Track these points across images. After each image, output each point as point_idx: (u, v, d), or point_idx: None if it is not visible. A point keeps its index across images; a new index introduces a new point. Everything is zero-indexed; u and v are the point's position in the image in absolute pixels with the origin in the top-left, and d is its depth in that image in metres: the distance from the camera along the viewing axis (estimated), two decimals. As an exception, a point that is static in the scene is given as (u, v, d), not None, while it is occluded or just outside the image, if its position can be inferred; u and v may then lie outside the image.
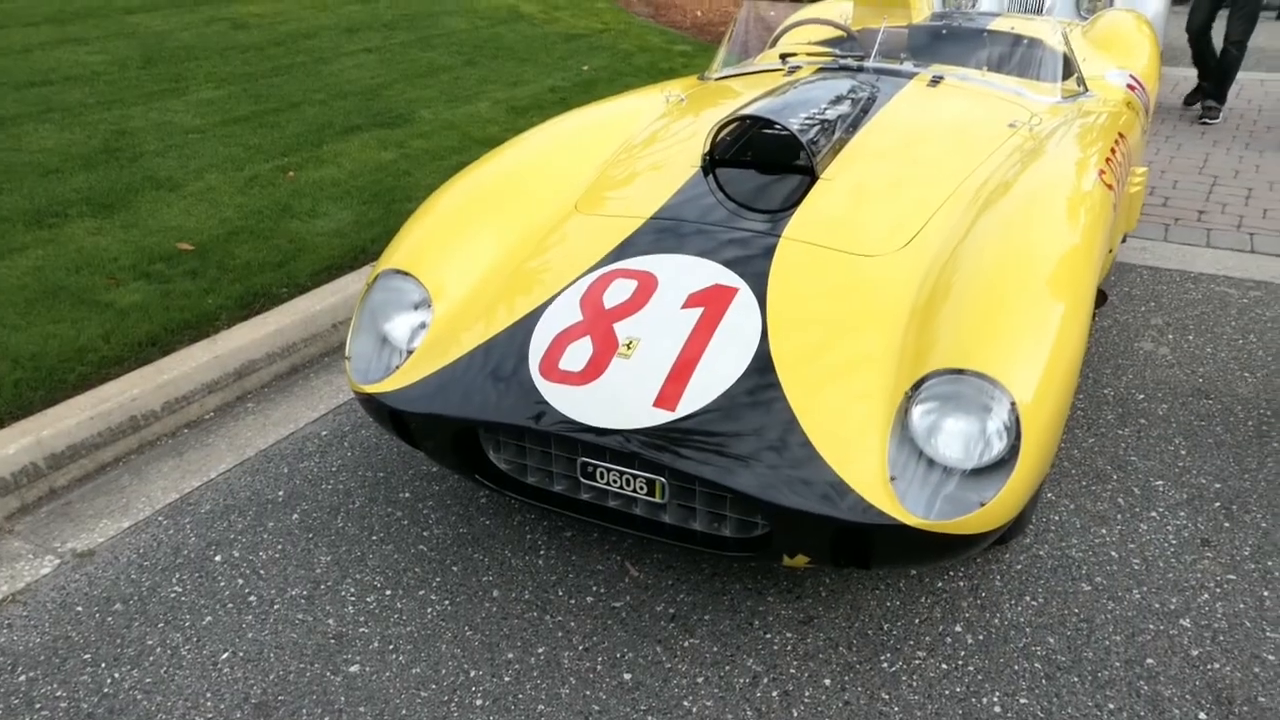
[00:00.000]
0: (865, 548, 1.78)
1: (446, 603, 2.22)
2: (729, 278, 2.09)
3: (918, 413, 1.82)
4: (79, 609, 2.23)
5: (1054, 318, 1.89)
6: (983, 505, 1.72)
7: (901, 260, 2.13)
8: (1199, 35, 5.93)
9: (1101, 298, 3.07)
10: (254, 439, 2.90)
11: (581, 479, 2.06)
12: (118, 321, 3.14)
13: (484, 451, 2.19)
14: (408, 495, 2.61)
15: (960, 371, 1.80)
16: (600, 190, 2.55)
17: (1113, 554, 2.33)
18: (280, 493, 2.64)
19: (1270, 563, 2.29)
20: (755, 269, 2.11)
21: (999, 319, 1.88)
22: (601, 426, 1.89)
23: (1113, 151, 2.54)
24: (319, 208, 4.03)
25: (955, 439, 1.79)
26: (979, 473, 1.78)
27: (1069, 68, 3.18)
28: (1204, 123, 5.85)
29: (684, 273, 2.13)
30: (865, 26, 3.74)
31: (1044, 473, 1.85)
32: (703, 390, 1.90)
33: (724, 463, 1.82)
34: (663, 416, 1.88)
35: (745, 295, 2.05)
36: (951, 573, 2.28)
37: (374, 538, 2.45)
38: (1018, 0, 6.01)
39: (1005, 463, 1.76)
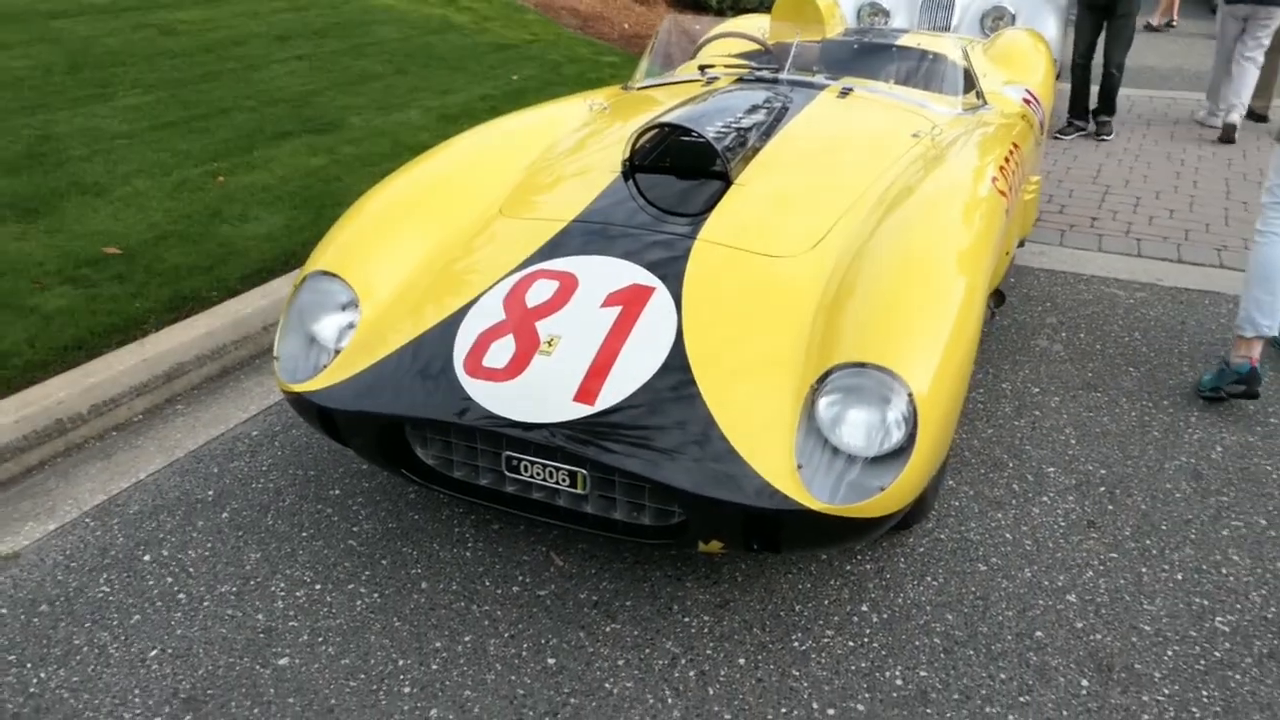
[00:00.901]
0: (774, 533, 1.84)
1: (375, 595, 2.23)
2: (647, 278, 2.14)
3: (823, 404, 1.88)
4: (3, 611, 2.18)
5: (949, 314, 1.98)
6: (882, 490, 1.79)
7: (810, 261, 2.20)
8: (1079, 66, 6.09)
9: (1000, 298, 3.20)
10: (184, 440, 2.86)
11: (506, 472, 2.08)
12: (43, 326, 3.07)
13: (411, 448, 2.20)
14: (338, 492, 2.61)
15: (862, 365, 1.87)
16: (524, 194, 2.58)
17: (1007, 536, 2.43)
18: (210, 492, 2.61)
19: (1149, 541, 2.42)
20: (672, 269, 2.16)
21: (898, 316, 1.96)
22: (523, 421, 1.92)
23: (1007, 160, 2.65)
24: (249, 212, 3.98)
25: (857, 429, 1.86)
26: (879, 460, 1.85)
27: (970, 82, 3.30)
28: (1101, 139, 6.04)
29: (604, 273, 2.17)
30: (781, 41, 3.82)
31: (939, 460, 1.93)
32: (621, 385, 1.94)
33: (640, 454, 1.86)
34: (582, 411, 1.92)
35: (662, 294, 2.10)
36: (859, 556, 2.36)
37: (304, 534, 2.44)
38: (926, 18, 6.20)
39: (903, 450, 1.83)
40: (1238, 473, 2.70)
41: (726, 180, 2.45)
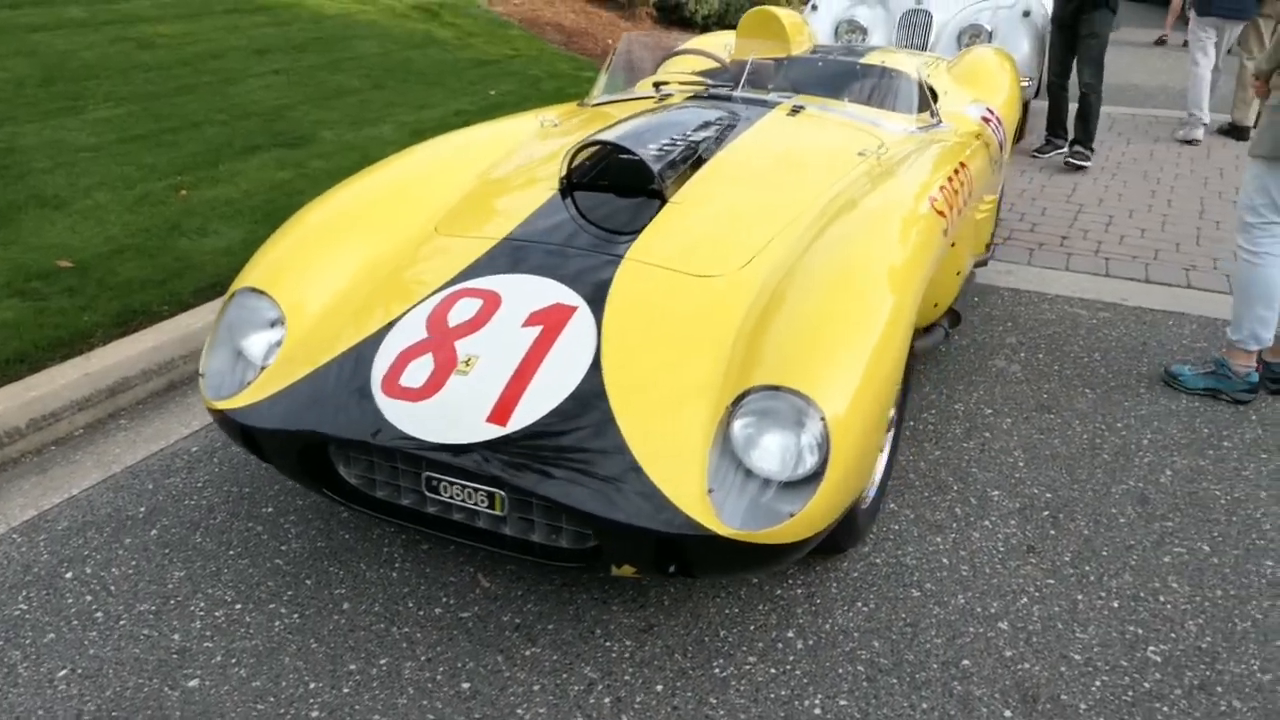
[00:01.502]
0: (684, 557, 1.81)
1: (295, 616, 2.19)
2: (570, 297, 2.11)
3: (737, 426, 1.85)
4: (-84, 628, 2.15)
5: (871, 335, 1.95)
6: (792, 516, 1.76)
7: (738, 280, 2.17)
8: (1055, 85, 6.06)
9: (955, 318, 3.17)
10: (122, 455, 2.83)
11: (427, 493, 2.05)
12: (-13, 338, 3.05)
13: (334, 467, 2.17)
14: (270, 510, 2.58)
15: (777, 388, 1.84)
16: (461, 212, 2.56)
17: (944, 561, 2.40)
18: (142, 509, 2.58)
19: (1087, 567, 2.38)
20: (595, 289, 2.13)
21: (819, 338, 1.93)
22: (435, 441, 1.89)
23: (950, 180, 2.63)
24: (209, 226, 3.96)
25: (771, 453, 1.83)
26: (792, 485, 1.82)
27: (925, 100, 3.28)
28: (1069, 163, 5.90)
29: (527, 292, 2.14)
30: (743, 58, 3.81)
31: (856, 485, 1.90)
32: (535, 406, 1.91)
33: (550, 476, 1.83)
34: (494, 432, 1.89)
35: (583, 314, 2.07)
36: (790, 580, 2.32)
37: (231, 552, 2.41)
38: (904, 36, 6.20)
39: (817, 476, 1.80)
40: (1185, 498, 2.67)
41: (662, 198, 2.43)
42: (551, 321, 2.06)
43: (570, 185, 2.54)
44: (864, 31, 6.31)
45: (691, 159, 2.61)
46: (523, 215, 2.44)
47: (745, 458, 1.84)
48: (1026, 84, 5.90)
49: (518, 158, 2.84)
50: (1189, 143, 6.52)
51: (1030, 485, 2.71)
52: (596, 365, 1.97)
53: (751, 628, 2.17)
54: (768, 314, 2.03)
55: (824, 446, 1.80)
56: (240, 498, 2.63)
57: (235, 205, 4.16)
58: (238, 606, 2.22)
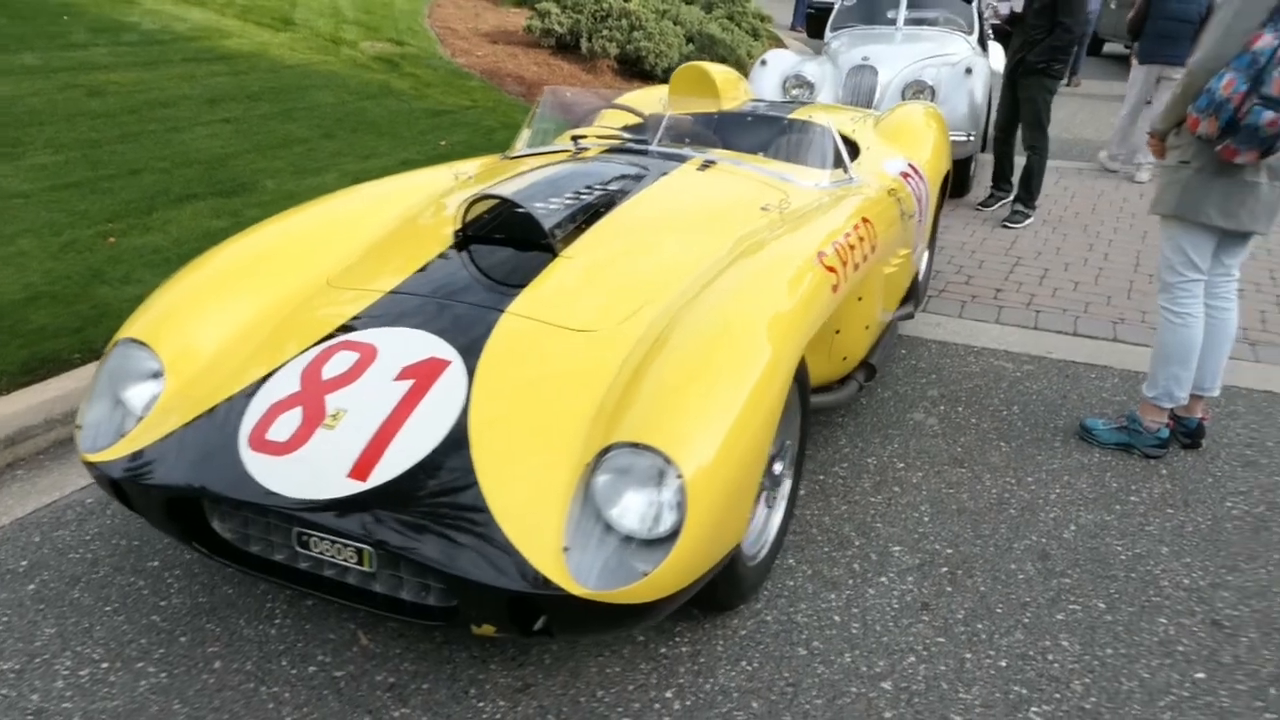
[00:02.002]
0: (538, 617, 1.78)
1: (163, 675, 2.14)
2: (445, 351, 2.10)
3: (598, 484, 1.84)
4: None
5: (739, 394, 1.95)
6: (646, 576, 1.74)
7: (616, 335, 2.17)
8: (998, 139, 6.14)
9: (870, 371, 3.18)
10: (13, 507, 2.78)
11: (298, 548, 2.02)
12: (-116, 387, 3.00)
13: (208, 521, 2.14)
14: (156, 564, 2.53)
15: (638, 445, 1.82)
16: (356, 264, 2.56)
17: (836, 618, 2.37)
18: (24, 563, 2.53)
19: (980, 625, 2.36)
20: (472, 343, 2.13)
21: (686, 394, 1.92)
22: (293, 497, 1.87)
23: (848, 235, 2.65)
24: (134, 274, 3.94)
25: (630, 511, 1.81)
26: (650, 544, 1.80)
27: (840, 156, 3.32)
28: (1006, 226, 5.85)
29: (404, 345, 2.13)
30: (669, 112, 3.85)
31: (717, 547, 1.88)
32: (398, 460, 1.89)
33: (407, 531, 1.81)
34: (354, 487, 1.87)
35: (457, 368, 2.06)
36: (677, 638, 2.29)
37: (107, 608, 2.35)
38: (850, 92, 6.29)
39: (675, 536, 1.78)
40: (1086, 553, 2.66)
41: (552, 252, 2.43)
42: (423, 375, 2.04)
43: (466, 238, 2.55)
44: (811, 87, 6.41)
45: (591, 212, 2.62)
46: (413, 267, 2.44)
47: (606, 514, 1.82)
48: (966, 139, 5.98)
49: (424, 210, 2.85)
50: (1133, 181, 7.05)
51: (933, 540, 2.70)
52: (463, 420, 1.95)
53: (630, 688, 2.14)
54: (642, 368, 2.02)
55: (683, 506, 1.78)
56: (127, 551, 2.58)
57: (163, 253, 4.14)
58: (105, 665, 2.17)
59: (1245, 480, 3.05)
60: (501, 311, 2.22)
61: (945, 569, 2.57)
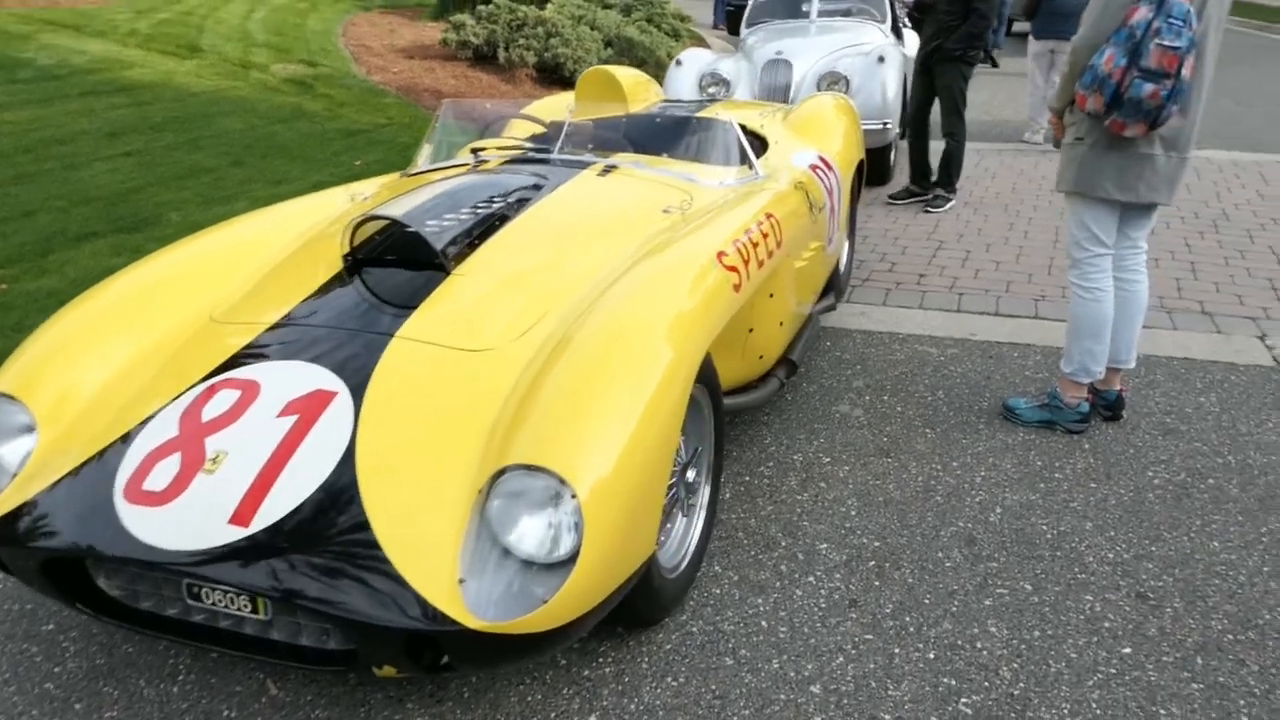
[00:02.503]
0: (438, 654, 1.71)
1: (56, 747, 2.03)
2: (331, 382, 2.02)
3: (492, 509, 1.77)
4: None
5: (635, 404, 1.89)
6: (545, 603, 1.68)
7: (511, 353, 2.10)
8: (913, 130, 6.03)
9: (791, 368, 3.15)
10: (-102, 578, 2.63)
11: (190, 600, 1.92)
12: None
13: (93, 578, 2.03)
14: (51, 627, 2.40)
15: (530, 467, 1.76)
16: (243, 296, 2.46)
17: (763, 624, 2.33)
18: (-93, 638, 2.39)
19: (908, 619, 2.33)
20: (359, 371, 2.05)
21: (579, 409, 1.86)
22: (171, 549, 1.77)
23: (749, 232, 2.61)
24: (27, 320, 3.79)
25: (527, 536, 1.75)
26: (550, 568, 1.74)
27: (745, 152, 3.28)
28: (928, 211, 5.85)
29: (288, 379, 2.05)
30: (579, 119, 3.79)
31: (620, 566, 1.82)
32: (281, 502, 1.80)
33: (295, 574, 1.73)
34: (236, 534, 1.78)
35: (343, 399, 1.98)
36: (600, 659, 2.22)
37: (-3, 680, 2.23)
38: (766, 87, 6.30)
39: (574, 558, 1.72)
40: (1012, 535, 2.65)
41: (445, 271, 2.35)
42: (308, 409, 1.96)
43: (356, 262, 2.47)
44: (727, 84, 6.40)
45: (486, 227, 2.55)
46: (301, 297, 2.35)
47: (502, 540, 1.75)
48: (882, 127, 6.01)
49: (314, 235, 2.75)
50: (1036, 144, 7.54)
51: (860, 535, 2.67)
52: (350, 453, 1.88)
53: (553, 715, 2.07)
54: (536, 384, 1.96)
55: (581, 526, 1.72)
56: (20, 616, 2.45)
57: (59, 296, 3.98)
58: (-8, 741, 2.05)
59: (1166, 449, 3.08)
60: (391, 336, 2.14)
61: (873, 563, 2.54)
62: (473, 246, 2.46)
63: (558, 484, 1.74)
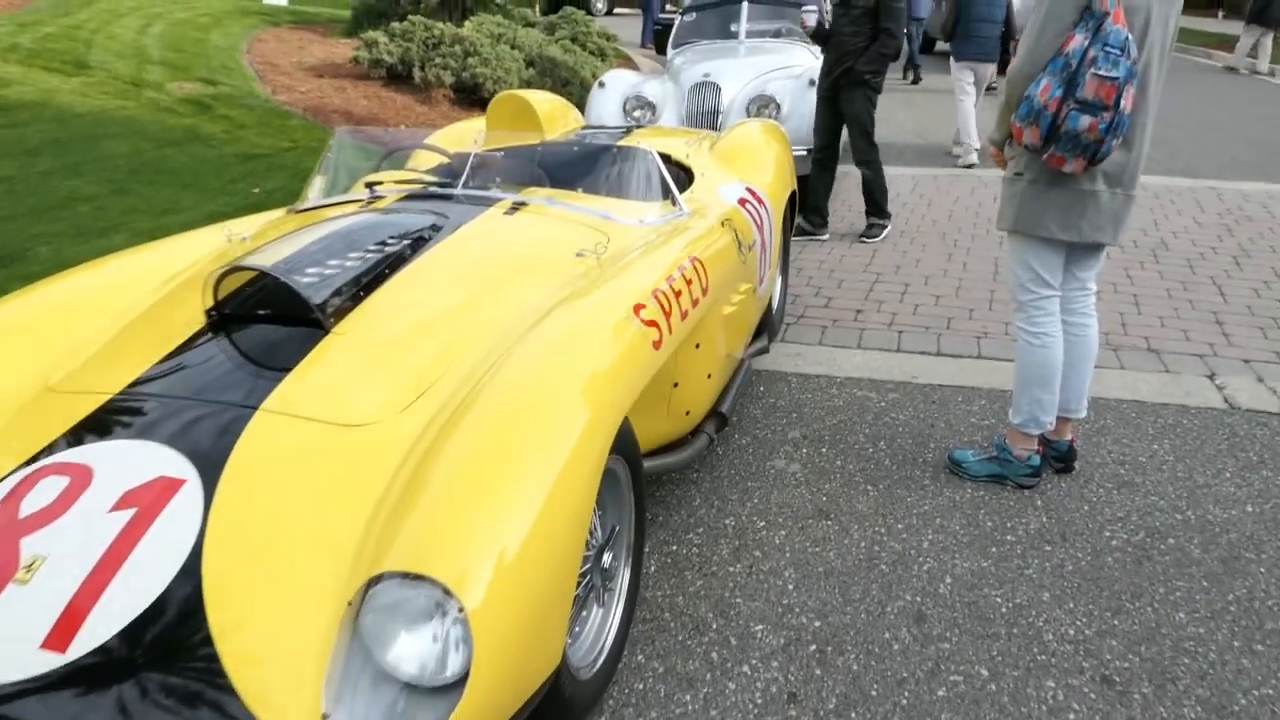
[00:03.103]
0: (296, 809, 1.45)
1: None
2: (179, 466, 1.76)
3: (365, 625, 1.52)
4: None
5: (538, 490, 1.67)
6: (428, 738, 1.43)
7: (396, 428, 1.86)
8: (820, 162, 5.70)
9: (721, 421, 2.97)
10: None
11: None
12: None
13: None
14: None
15: (410, 576, 1.52)
16: (89, 358, 2.17)
17: (691, 726, 2.10)
18: None
19: (854, 715, 2.13)
20: (214, 453, 1.78)
21: (472, 501, 1.63)
22: (-36, 685, 1.49)
23: (671, 280, 2.41)
24: None
25: (407, 656, 1.51)
26: (433, 694, 1.50)
27: (668, 186, 3.10)
28: (863, 241, 5.69)
29: (128, 464, 1.77)
30: (489, 149, 3.57)
31: (519, 683, 1.59)
32: (106, 622, 1.53)
33: (122, 714, 1.45)
34: (49, 662, 1.50)
35: (192, 489, 1.72)
36: (504, 778, 1.97)
37: None
38: (694, 111, 6.15)
39: (463, 681, 1.48)
40: (964, 609, 2.47)
41: (324, 329, 2.10)
42: (149, 502, 1.69)
43: (223, 318, 2.20)
44: (652, 107, 6.24)
45: (374, 275, 2.30)
46: (153, 360, 2.08)
47: (379, 661, 1.50)
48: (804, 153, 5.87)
49: (179, 283, 2.47)
50: (968, 167, 7.63)
51: (799, 612, 2.46)
52: (196, 557, 1.61)
53: None
54: (423, 468, 1.72)
55: (470, 642, 1.48)
56: None
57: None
58: None
59: (1122, 504, 2.94)
60: (254, 409, 1.88)
61: (814, 646, 2.34)
62: (357, 299, 2.21)
63: (441, 594, 1.50)
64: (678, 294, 2.40)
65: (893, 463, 3.22)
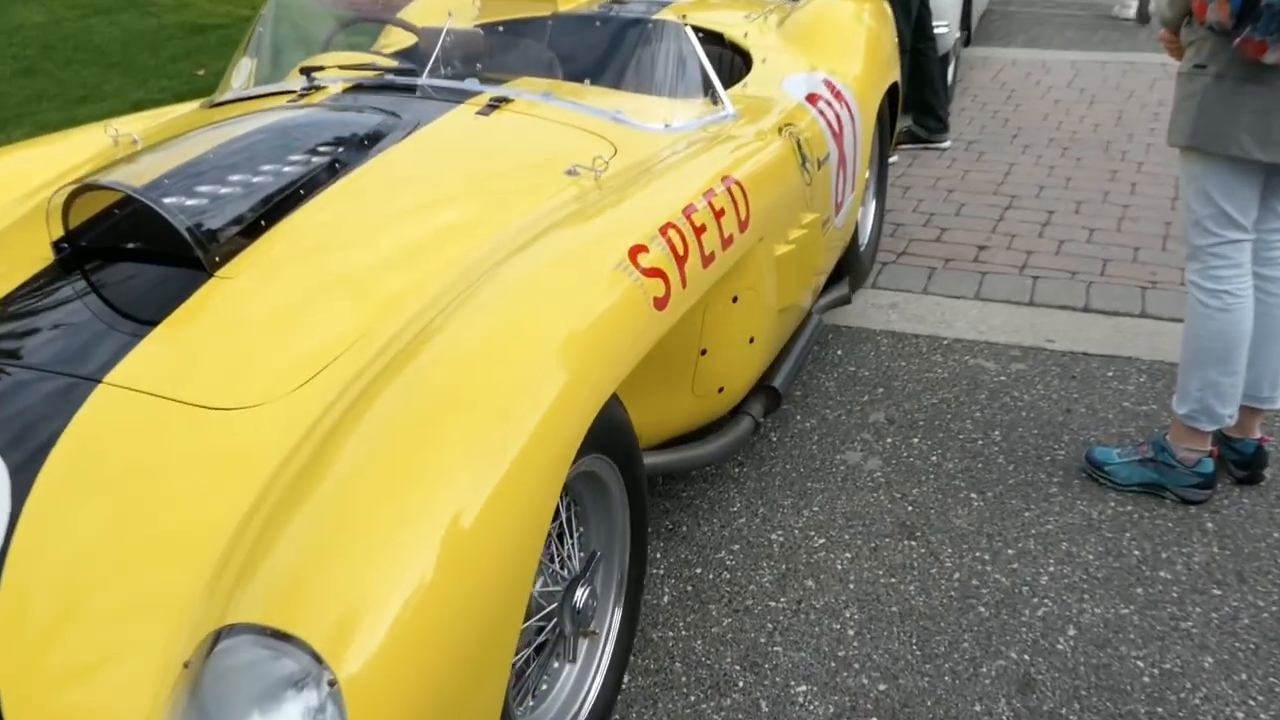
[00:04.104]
0: None
1: None
2: (-13, 457, 1.66)
3: (205, 692, 1.41)
4: None
5: (463, 510, 1.53)
6: None
7: (284, 414, 1.73)
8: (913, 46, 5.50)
9: (772, 399, 2.85)
10: None
11: None
12: None
13: None
14: None
15: (266, 632, 1.39)
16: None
17: (695, 827, 1.97)
18: None
19: (920, 821, 1.98)
20: (35, 438, 1.69)
21: (367, 521, 1.49)
22: None
23: (690, 210, 2.24)
24: None
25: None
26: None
27: (708, 78, 2.92)
28: (931, 148, 5.65)
29: (-83, 454, 1.68)
30: (475, 24, 3.41)
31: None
32: None
33: None
34: None
35: (-1, 486, 1.61)
36: None
37: None
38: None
39: (336, 777, 1.36)
40: (1091, 675, 2.31)
41: (206, 271, 1.98)
42: (-63, 507, 1.59)
43: (76, 252, 2.09)
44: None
45: (280, 201, 2.16)
46: (-20, 306, 1.98)
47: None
48: (945, 29, 5.66)
49: (33, 208, 2.37)
50: (1126, 20, 8.14)
51: (859, 670, 2.32)
52: (-14, 595, 1.51)
53: None
54: (303, 481, 1.58)
55: (343, 722, 1.36)
56: None
57: None
58: None
59: (1327, 532, 2.74)
60: (96, 381, 1.76)
61: (874, 721, 2.20)
62: (255, 232, 2.07)
63: (310, 662, 1.37)
64: (700, 230, 2.22)
65: (1009, 461, 3.05)
